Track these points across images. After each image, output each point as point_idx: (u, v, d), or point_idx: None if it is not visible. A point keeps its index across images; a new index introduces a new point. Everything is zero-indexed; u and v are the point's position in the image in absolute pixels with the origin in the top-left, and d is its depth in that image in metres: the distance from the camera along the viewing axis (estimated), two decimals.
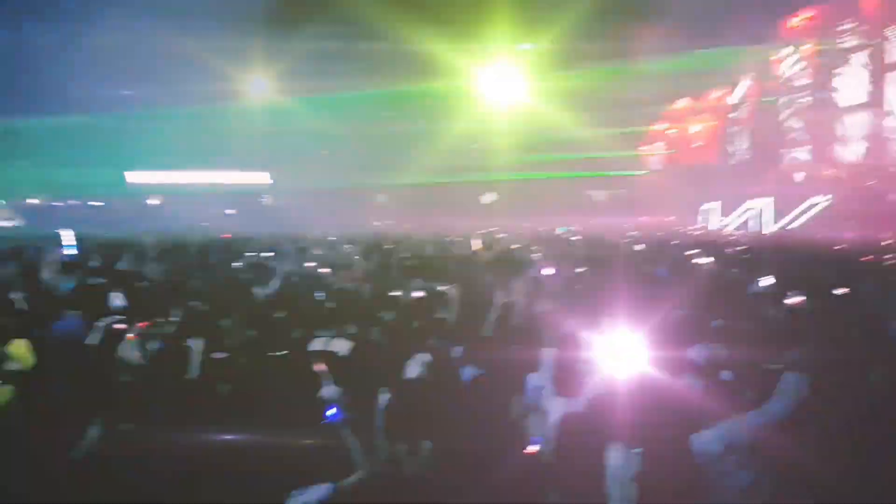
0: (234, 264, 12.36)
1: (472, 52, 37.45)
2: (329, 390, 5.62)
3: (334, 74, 38.12)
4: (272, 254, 14.77)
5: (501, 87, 40.27)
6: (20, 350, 6.53)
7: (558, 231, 27.12)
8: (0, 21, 38.05)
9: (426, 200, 40.33)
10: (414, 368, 6.25)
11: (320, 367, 5.68)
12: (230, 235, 23.43)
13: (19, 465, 4.78)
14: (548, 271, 10.98)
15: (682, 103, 45.05)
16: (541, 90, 39.55)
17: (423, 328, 7.67)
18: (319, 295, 9.79)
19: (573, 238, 22.26)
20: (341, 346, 6.85)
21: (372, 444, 4.91)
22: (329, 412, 4.79)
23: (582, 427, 4.68)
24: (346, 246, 15.00)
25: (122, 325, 6.73)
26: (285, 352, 7.10)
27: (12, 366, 6.24)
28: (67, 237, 14.84)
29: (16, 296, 8.77)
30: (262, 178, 45.49)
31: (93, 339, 6.69)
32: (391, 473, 4.63)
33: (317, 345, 6.85)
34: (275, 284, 10.22)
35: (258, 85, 39.73)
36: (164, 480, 4.33)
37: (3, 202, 44.98)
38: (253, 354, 6.78)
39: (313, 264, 13.20)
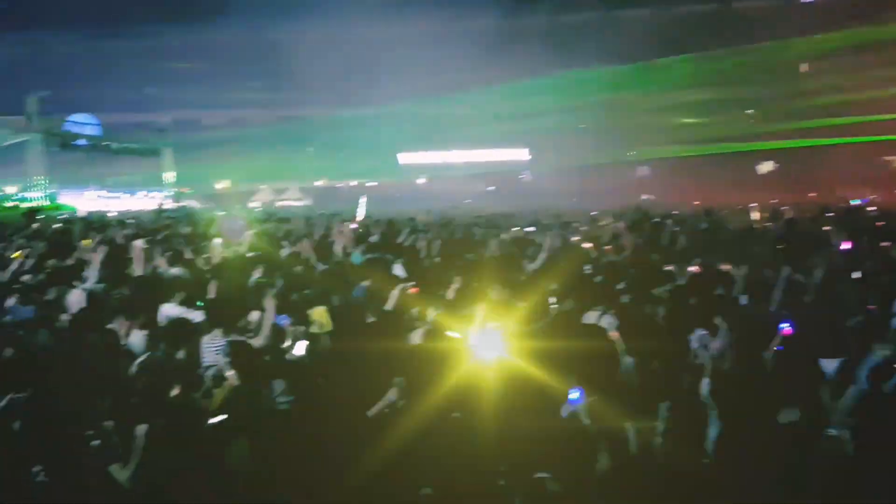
0: (499, 240, 12.60)
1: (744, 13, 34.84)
2: (625, 362, 5.54)
3: (593, 46, 37.51)
4: (534, 229, 14.90)
5: (776, 48, 36.95)
6: (321, 315, 7.22)
7: (853, 203, 24.17)
8: (296, 25, 42.42)
9: (696, 172, 37.91)
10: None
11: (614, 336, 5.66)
12: (490, 211, 24.09)
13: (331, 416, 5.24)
14: (845, 247, 9.86)
15: None
16: (826, 46, 35.63)
17: (701, 305, 7.24)
18: (586, 269, 9.68)
19: (869, 210, 19.79)
20: (610, 322, 6.69)
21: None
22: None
23: None
24: (610, 220, 14.67)
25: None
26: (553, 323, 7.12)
27: (314, 329, 6.92)
28: (361, 207, 16.30)
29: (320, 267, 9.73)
30: (520, 154, 46.10)
31: (388, 305, 7.16)
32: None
33: (590, 318, 6.73)
34: (541, 259, 10.27)
35: (515, 62, 40.28)
36: None
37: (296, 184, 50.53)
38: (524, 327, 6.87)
39: (577, 239, 13.10)
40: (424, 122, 42.62)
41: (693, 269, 8.61)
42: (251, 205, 43.69)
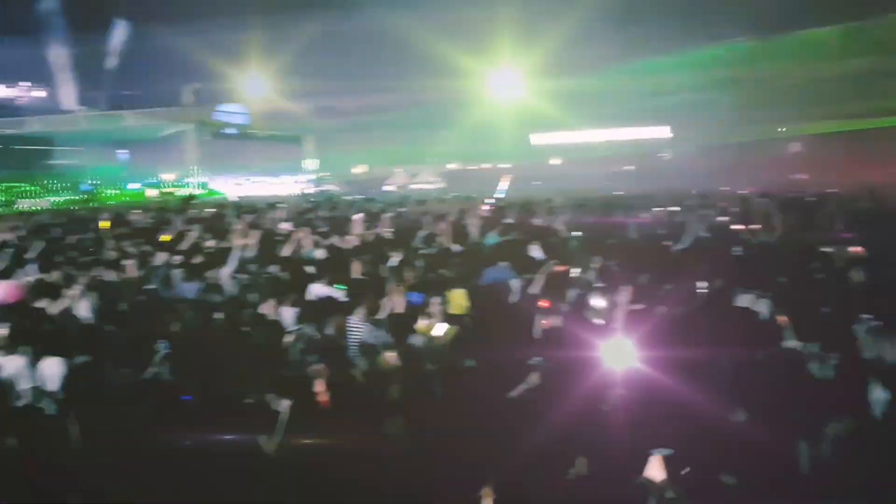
0: (638, 220, 12.22)
1: None
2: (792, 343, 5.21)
3: (739, 17, 35.54)
4: (678, 209, 14.32)
5: None
6: (458, 297, 7.24)
7: None
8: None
9: (856, 148, 34.96)
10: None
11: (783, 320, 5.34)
12: (626, 192, 23.42)
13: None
14: None
15: None
16: None
17: (865, 288, 6.69)
18: (736, 250, 9.22)
19: None
20: (763, 306, 6.31)
21: None
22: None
23: None
24: (759, 200, 13.83)
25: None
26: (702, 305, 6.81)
27: (452, 310, 6.95)
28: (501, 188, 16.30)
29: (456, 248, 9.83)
30: (661, 132, 44.29)
31: (534, 287, 7.08)
32: None
33: (742, 301, 6.37)
34: (687, 240, 9.86)
35: (653, 36, 38.79)
36: None
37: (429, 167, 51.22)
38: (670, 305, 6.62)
39: (725, 219, 12.47)
40: (557, 101, 41.89)
41: (855, 249, 7.97)
42: (386, 188, 44.79)
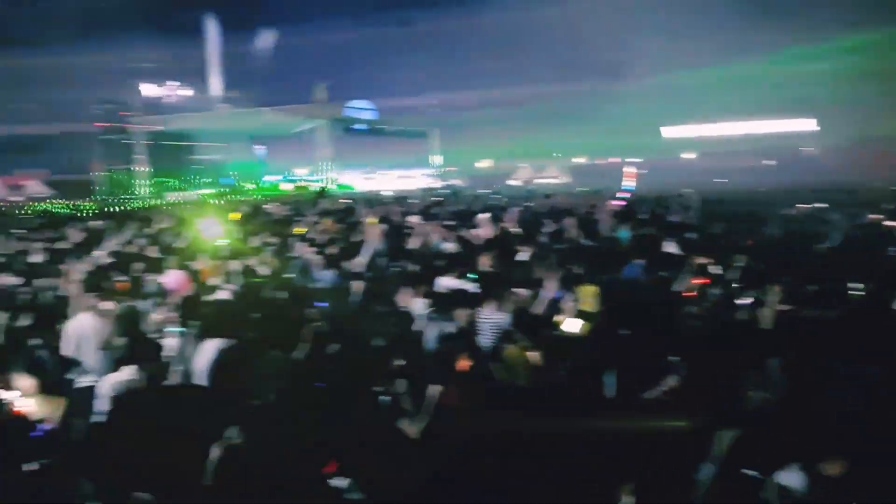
0: (785, 217, 11.54)
1: None
2: None
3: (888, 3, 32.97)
4: (825, 206, 13.43)
5: None
6: (588, 293, 7.03)
7: None
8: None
9: None
10: None
11: None
12: (767, 188, 22.22)
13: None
14: None
15: None
16: None
17: None
18: (893, 250, 8.51)
19: None
20: None
21: None
22: None
23: None
24: None
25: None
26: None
27: (584, 306, 6.77)
28: (630, 182, 15.88)
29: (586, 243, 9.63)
30: (805, 125, 41.62)
31: (677, 285, 6.80)
32: None
33: None
34: (835, 239, 9.20)
35: (797, 23, 36.54)
36: None
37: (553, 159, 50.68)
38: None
39: (878, 217, 11.58)
40: (690, 93, 40.37)
41: None
42: (511, 183, 44.69)
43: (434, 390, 4.45)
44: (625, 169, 16.93)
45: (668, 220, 11.58)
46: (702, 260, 7.08)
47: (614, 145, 46.43)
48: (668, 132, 45.43)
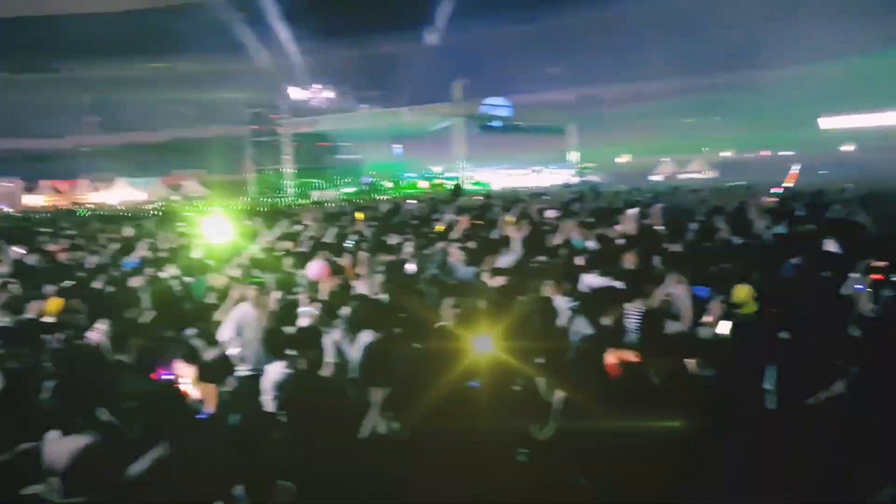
0: None
1: None
2: None
3: None
4: None
5: None
6: (743, 294, 6.57)
7: None
8: None
9: None
10: None
11: None
12: None
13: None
14: None
15: None
16: None
17: None
18: None
19: None
20: None
21: None
22: None
23: None
24: None
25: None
26: None
27: (737, 310, 6.35)
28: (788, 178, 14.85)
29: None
30: None
31: (846, 289, 6.33)
32: None
33: None
34: None
35: None
36: None
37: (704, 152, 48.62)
38: None
39: None
40: (851, 81, 37.55)
41: None
42: (653, 178, 43.35)
43: (560, 394, 4.39)
44: (792, 167, 15.78)
45: (829, 217, 10.77)
46: (875, 263, 6.49)
47: (765, 138, 44.02)
48: (826, 123, 42.45)
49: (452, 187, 31.88)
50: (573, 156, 51.42)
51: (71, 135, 56.63)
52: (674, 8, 45.50)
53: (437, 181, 46.47)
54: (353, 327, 5.58)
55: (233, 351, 5.98)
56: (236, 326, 6.21)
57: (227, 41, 56.20)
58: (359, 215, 15.29)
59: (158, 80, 58.34)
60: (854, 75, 37.39)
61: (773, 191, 15.46)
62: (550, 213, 13.27)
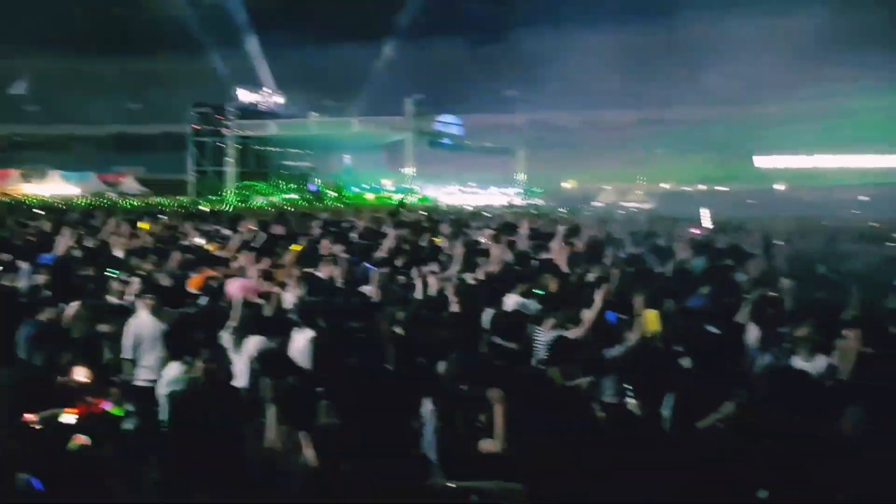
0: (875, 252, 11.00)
1: None
2: None
3: None
4: None
5: None
6: (651, 318, 6.85)
7: None
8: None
9: None
10: None
11: None
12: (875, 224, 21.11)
13: None
14: None
15: None
16: None
17: None
18: None
19: None
20: None
21: None
22: None
23: None
24: None
25: None
26: None
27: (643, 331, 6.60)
28: (705, 216, 15.45)
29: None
30: None
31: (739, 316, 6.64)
32: None
33: None
34: None
35: None
36: None
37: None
38: None
39: None
40: (786, 123, 39.03)
41: None
42: (594, 204, 44.14)
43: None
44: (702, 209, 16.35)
45: (743, 250, 11.18)
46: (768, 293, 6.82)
47: (703, 173, 45.40)
48: (760, 161, 44.04)
49: (395, 201, 31.95)
50: (521, 178, 52.09)
51: (5, 123, 54.72)
52: (629, 43, 46.64)
53: (383, 194, 46.37)
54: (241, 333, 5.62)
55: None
56: (133, 338, 6.16)
57: (180, 39, 55.37)
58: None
59: (105, 74, 57.02)
60: (788, 117, 38.91)
61: (703, 223, 15.92)
62: (486, 232, 13.38)
